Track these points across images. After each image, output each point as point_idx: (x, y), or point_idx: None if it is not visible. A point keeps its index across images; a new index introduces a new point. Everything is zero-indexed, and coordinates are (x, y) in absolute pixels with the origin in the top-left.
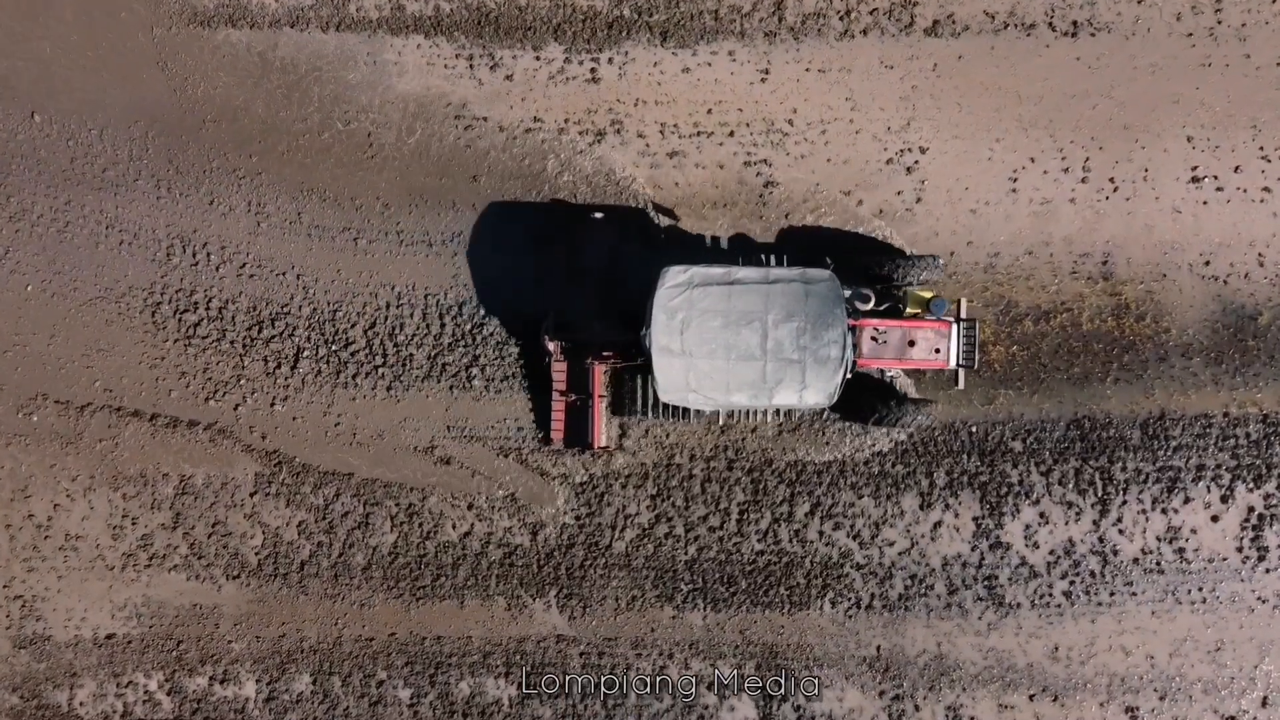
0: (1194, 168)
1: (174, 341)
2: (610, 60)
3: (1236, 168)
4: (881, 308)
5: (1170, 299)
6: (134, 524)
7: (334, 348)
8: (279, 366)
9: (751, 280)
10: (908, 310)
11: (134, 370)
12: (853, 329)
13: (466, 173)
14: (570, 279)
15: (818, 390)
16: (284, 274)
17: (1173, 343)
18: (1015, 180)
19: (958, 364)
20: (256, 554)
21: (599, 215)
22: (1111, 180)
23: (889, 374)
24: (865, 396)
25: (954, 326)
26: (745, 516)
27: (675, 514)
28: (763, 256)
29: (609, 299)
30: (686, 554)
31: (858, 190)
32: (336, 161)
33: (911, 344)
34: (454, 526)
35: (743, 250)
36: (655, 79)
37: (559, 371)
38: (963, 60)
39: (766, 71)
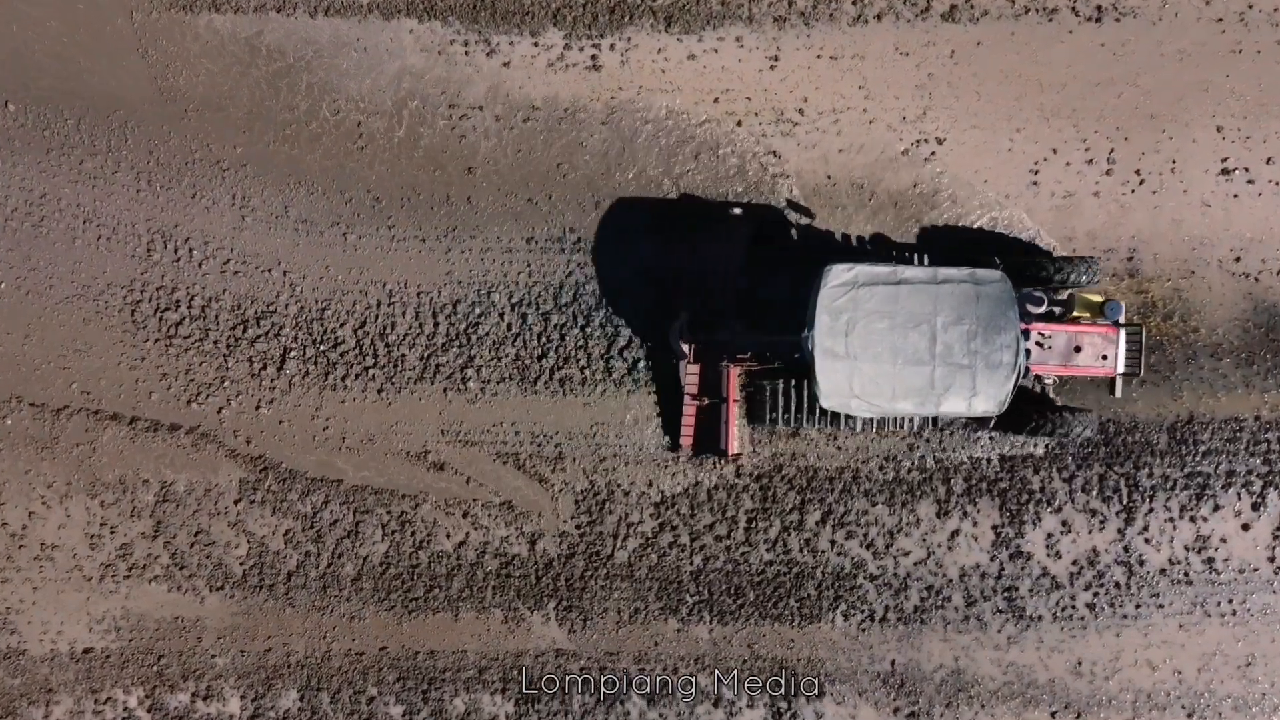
0: (1224, 159)
1: (154, 341)
2: (612, 47)
3: (1269, 159)
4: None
5: (1199, 297)
6: (113, 533)
7: (322, 348)
8: (264, 368)
9: (919, 280)
10: (1075, 314)
11: (112, 371)
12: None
13: (461, 164)
14: (698, 277)
15: (988, 397)
16: (270, 270)
17: (1201, 343)
18: (1036, 172)
19: (1124, 371)
20: (241, 564)
21: (737, 211)
22: (1137, 172)
23: (1046, 380)
24: (1018, 405)
25: (1120, 331)
26: (753, 525)
27: (680, 522)
28: (913, 257)
29: (744, 299)
30: (692, 564)
31: (869, 184)
32: (325, 153)
33: (1077, 349)
34: (448, 535)
35: (883, 248)
36: (659, 66)
37: (692, 374)
38: (981, 47)
39: (776, 58)
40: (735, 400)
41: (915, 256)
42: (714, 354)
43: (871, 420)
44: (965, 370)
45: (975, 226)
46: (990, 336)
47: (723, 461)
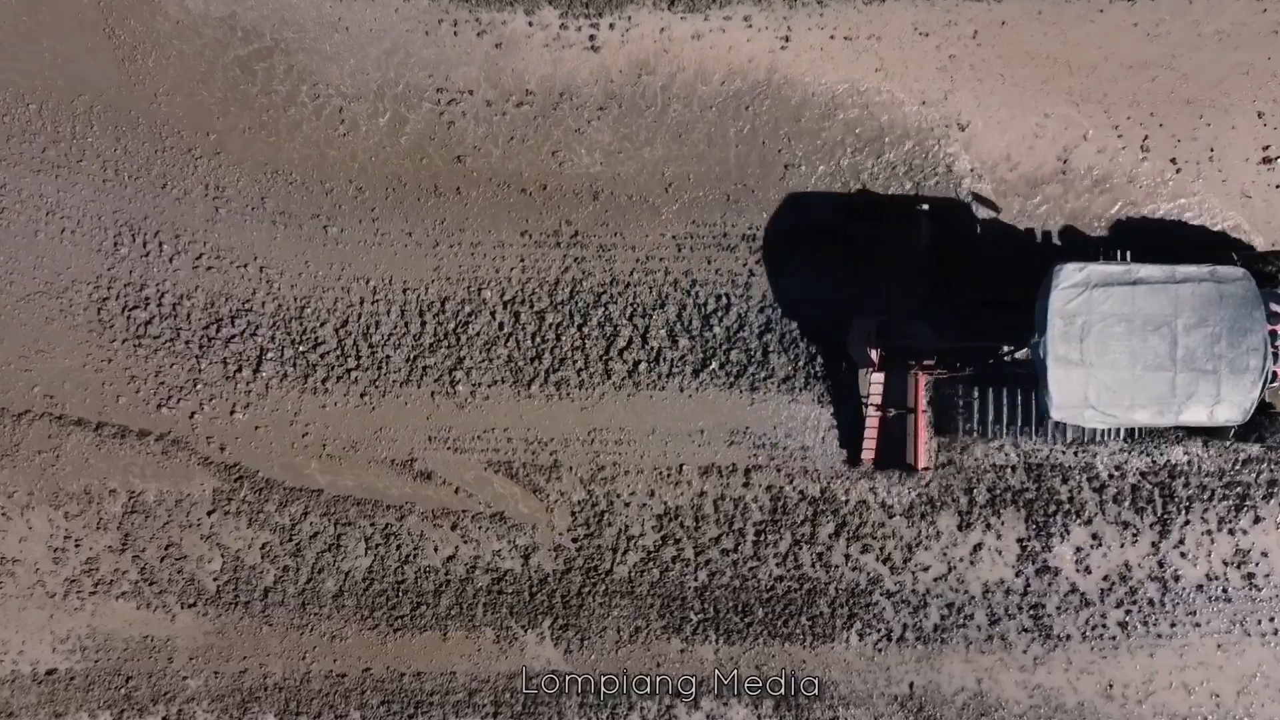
0: (1265, 147)
1: (122, 342)
2: (611, 25)
3: None
4: None
5: None
6: (77, 546)
7: (301, 348)
8: (240, 370)
9: (1157, 279)
10: None
11: (77, 374)
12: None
13: (449, 152)
14: (879, 278)
15: (1232, 405)
16: (245, 266)
17: None
18: (1066, 161)
19: None
20: (215, 580)
21: (924, 207)
22: (1173, 161)
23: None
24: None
25: None
26: (762, 538)
27: (684, 535)
28: (1117, 253)
29: (932, 299)
30: (696, 580)
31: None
32: (304, 140)
33: None
34: (436, 549)
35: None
36: (662, 46)
37: (877, 383)
38: (1006, 26)
39: (787, 39)
40: (924, 410)
41: (1119, 254)
42: (899, 361)
43: (1082, 431)
44: (1209, 376)
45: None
46: (1236, 339)
47: (907, 476)
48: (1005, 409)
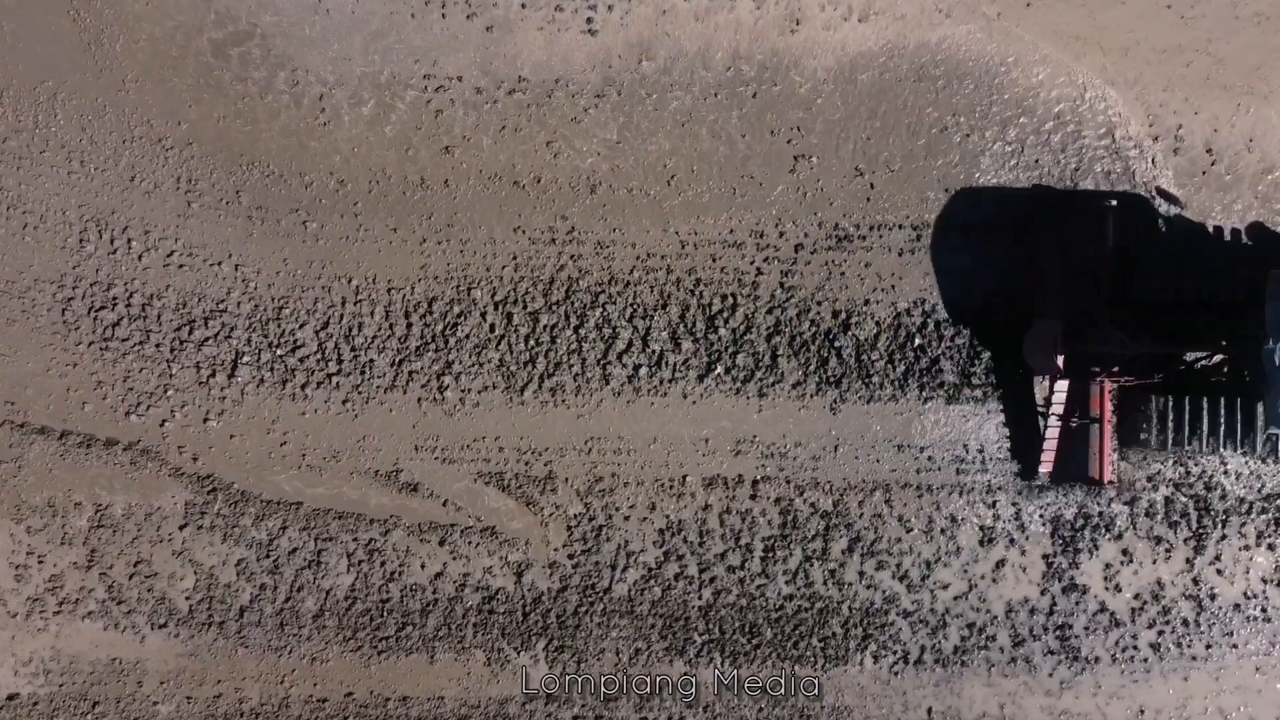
0: None
1: (88, 345)
2: (610, 6)
3: None
4: None
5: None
6: (41, 563)
7: (279, 352)
8: (213, 374)
9: None
10: None
11: (40, 379)
12: None
13: (437, 143)
14: (1057, 278)
15: None
16: (219, 264)
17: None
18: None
19: None
20: (187, 599)
21: (1113, 203)
22: (1209, 150)
23: None
24: None
25: None
26: (771, 554)
27: (687, 551)
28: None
29: (1119, 303)
30: (701, 599)
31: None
32: (282, 130)
33: None
34: (422, 566)
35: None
36: (663, 28)
37: (1061, 391)
38: (1032, 8)
39: (798, 22)
40: (1110, 421)
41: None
42: (1080, 367)
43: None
44: None
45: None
46: None
47: (1094, 490)
48: (1206, 419)
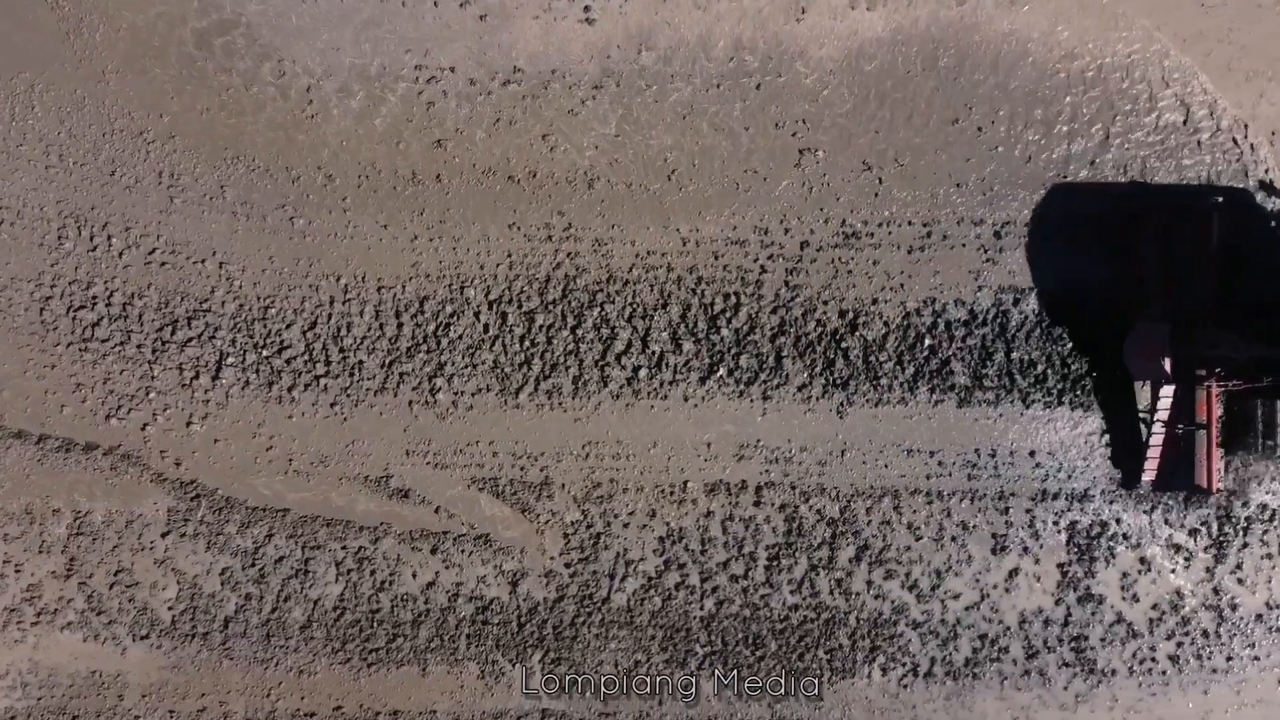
0: None
1: (67, 345)
2: None
3: None
4: None
5: None
6: (18, 572)
7: (265, 353)
8: (197, 376)
9: None
10: None
11: (17, 381)
12: None
13: (428, 136)
14: (1164, 279)
15: None
16: (203, 262)
17: None
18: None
19: None
20: (170, 609)
21: (1219, 200)
22: (1234, 142)
23: None
24: None
25: None
26: (775, 563)
27: (689, 560)
28: None
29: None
30: (703, 609)
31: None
32: (268, 123)
33: None
34: (414, 575)
35: None
36: (663, 17)
37: (1167, 396)
38: None
39: (804, 9)
40: (1218, 427)
41: None
42: (1184, 371)
43: None
44: None
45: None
46: None
47: (1198, 499)
48: None
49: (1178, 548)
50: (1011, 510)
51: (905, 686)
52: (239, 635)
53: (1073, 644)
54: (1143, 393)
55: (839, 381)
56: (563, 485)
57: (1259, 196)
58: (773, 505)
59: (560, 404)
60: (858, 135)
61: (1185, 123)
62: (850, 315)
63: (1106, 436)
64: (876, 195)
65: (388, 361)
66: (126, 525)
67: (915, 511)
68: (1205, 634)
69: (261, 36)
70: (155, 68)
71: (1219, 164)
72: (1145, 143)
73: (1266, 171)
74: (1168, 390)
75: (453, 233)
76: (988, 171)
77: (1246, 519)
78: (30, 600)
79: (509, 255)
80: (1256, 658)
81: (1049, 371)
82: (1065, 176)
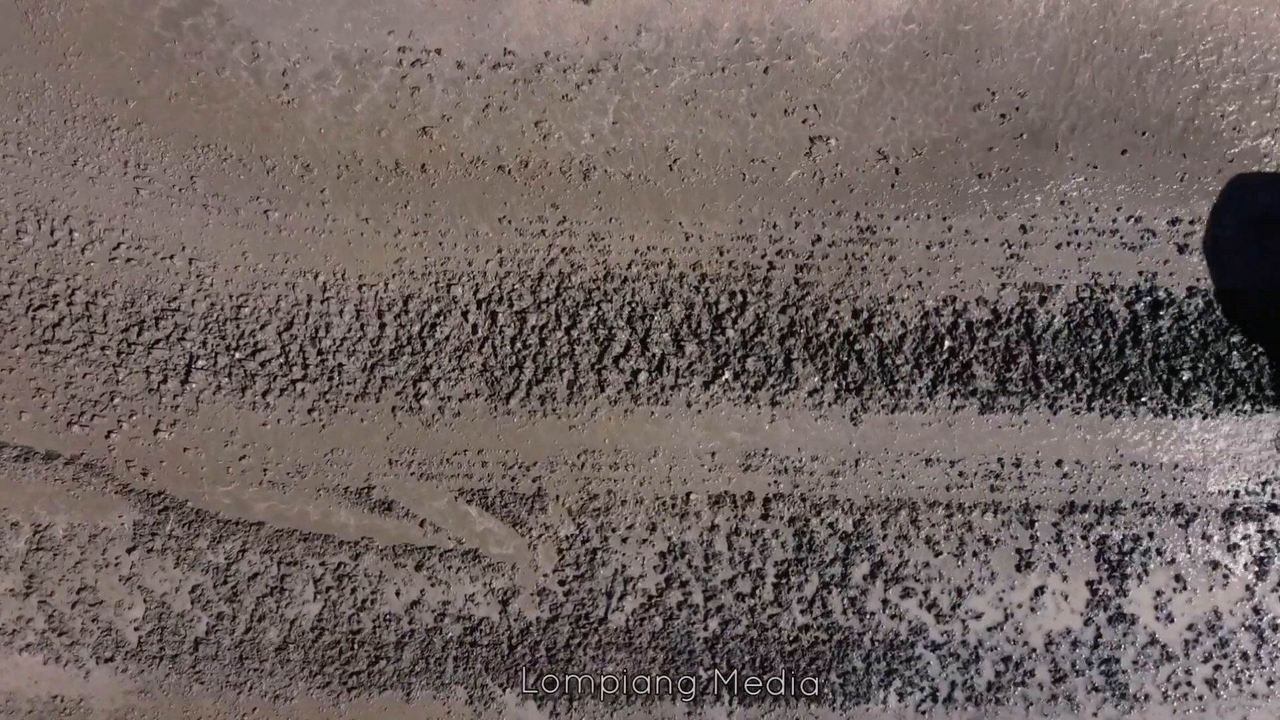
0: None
1: (26, 347)
2: None
3: None
4: None
5: None
6: None
7: (238, 356)
8: (165, 380)
9: None
10: None
11: None
12: None
13: (413, 123)
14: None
15: None
16: (172, 258)
17: None
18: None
19: None
20: (136, 629)
21: None
22: None
23: None
24: None
25: None
26: (785, 580)
27: (692, 577)
28: None
29: None
30: (706, 630)
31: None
32: (241, 109)
33: None
34: (398, 593)
35: None
36: None
37: None
38: None
39: None
40: None
41: None
42: None
43: None
44: None
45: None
46: None
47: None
48: None
49: (1215, 565)
50: (1037, 524)
51: (923, 713)
52: (210, 658)
53: (1103, 667)
54: None
55: (853, 386)
56: (557, 497)
57: None
58: (782, 519)
59: (554, 410)
60: (872, 122)
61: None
62: (865, 315)
63: (1134, 443)
64: (893, 186)
65: (369, 365)
66: (90, 540)
67: (934, 525)
68: (1244, 656)
69: (234, 17)
70: (120, 50)
71: None
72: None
73: None
74: None
75: (439, 227)
76: (1012, 161)
77: None
78: None
79: (499, 251)
80: None
81: (1077, 375)
82: (1096, 165)
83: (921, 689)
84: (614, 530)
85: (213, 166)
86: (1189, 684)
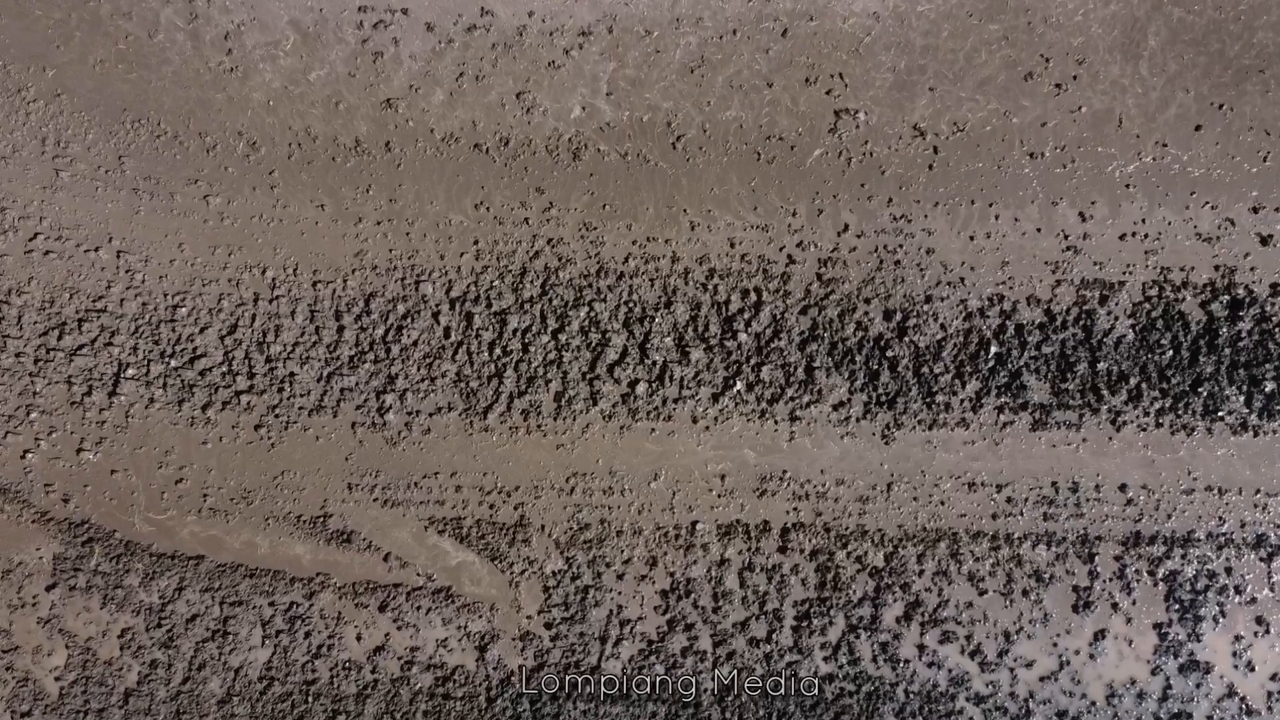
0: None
1: None
2: None
3: None
4: None
5: None
6: None
7: (174, 363)
8: (89, 393)
9: None
10: None
11: None
12: None
13: (376, 95)
14: None
15: None
16: (98, 250)
17: None
18: None
19: None
20: (57, 679)
21: None
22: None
23: None
24: None
25: None
26: (806, 623)
27: (698, 619)
28: None
29: None
30: (715, 680)
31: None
32: (176, 78)
33: None
34: (359, 638)
35: None
36: None
37: None
38: None
39: None
40: None
41: None
42: None
43: None
44: None
45: None
46: None
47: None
48: None
49: None
50: (1098, 558)
51: None
52: (143, 712)
53: None
54: None
55: (884, 399)
56: (542, 527)
57: None
58: (802, 552)
59: (539, 426)
60: (907, 94)
61: None
62: (898, 317)
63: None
64: (931, 168)
65: (326, 374)
66: (3, 576)
67: (978, 560)
68: None
69: None
70: (36, 9)
71: None
72: None
73: None
74: None
75: (405, 214)
76: (1069, 138)
77: None
78: None
79: (475, 243)
80: None
81: (1144, 386)
82: (1167, 144)
83: None
84: (608, 565)
85: (144, 145)
86: None
